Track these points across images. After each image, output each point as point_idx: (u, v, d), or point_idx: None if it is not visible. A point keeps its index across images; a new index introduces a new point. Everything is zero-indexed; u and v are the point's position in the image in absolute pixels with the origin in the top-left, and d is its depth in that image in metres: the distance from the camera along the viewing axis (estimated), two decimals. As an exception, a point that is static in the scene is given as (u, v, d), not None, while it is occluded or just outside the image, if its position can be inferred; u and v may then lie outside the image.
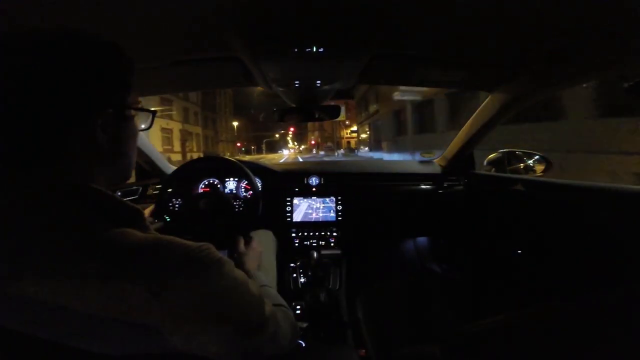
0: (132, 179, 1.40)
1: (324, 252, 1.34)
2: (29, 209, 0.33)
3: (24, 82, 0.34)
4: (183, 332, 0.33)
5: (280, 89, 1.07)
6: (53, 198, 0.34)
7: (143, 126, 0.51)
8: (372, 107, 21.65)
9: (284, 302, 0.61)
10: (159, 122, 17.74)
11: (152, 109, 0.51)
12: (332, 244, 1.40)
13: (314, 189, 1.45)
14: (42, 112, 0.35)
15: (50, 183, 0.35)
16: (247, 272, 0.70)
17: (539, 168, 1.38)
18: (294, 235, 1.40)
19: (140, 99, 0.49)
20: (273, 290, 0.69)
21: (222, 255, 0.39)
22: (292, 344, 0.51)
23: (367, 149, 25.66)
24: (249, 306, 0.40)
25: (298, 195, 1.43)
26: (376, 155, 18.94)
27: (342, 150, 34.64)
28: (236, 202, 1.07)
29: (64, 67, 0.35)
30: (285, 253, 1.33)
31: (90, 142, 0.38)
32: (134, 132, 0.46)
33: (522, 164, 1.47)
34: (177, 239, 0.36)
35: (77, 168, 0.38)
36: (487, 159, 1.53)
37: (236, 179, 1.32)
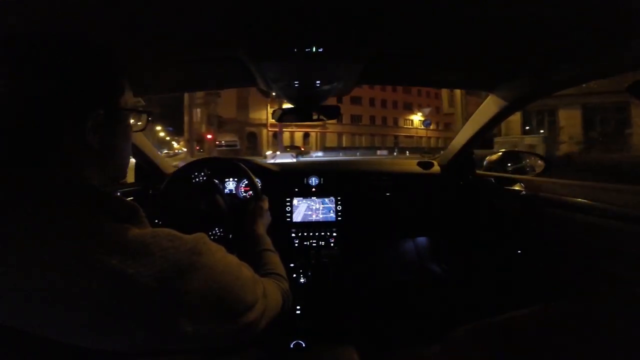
0: (132, 179, 1.40)
1: (323, 252, 1.34)
2: (27, 206, 0.33)
3: (13, 84, 0.35)
4: (182, 320, 0.34)
5: (280, 89, 1.07)
6: (51, 195, 0.35)
7: (139, 124, 0.52)
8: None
9: (282, 271, 0.64)
10: None
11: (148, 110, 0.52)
12: (332, 244, 1.40)
13: (313, 189, 1.45)
14: (33, 114, 0.36)
15: (46, 181, 0.36)
16: (257, 234, 0.77)
17: (539, 168, 1.39)
18: (293, 235, 1.40)
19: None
20: (275, 257, 0.71)
21: (217, 244, 0.41)
22: (283, 313, 0.54)
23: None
24: (242, 289, 0.42)
25: (298, 195, 1.43)
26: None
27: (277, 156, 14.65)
28: (236, 202, 1.07)
29: (52, 69, 0.37)
30: (285, 253, 1.33)
31: (82, 142, 0.39)
32: (126, 132, 0.47)
33: (521, 164, 1.48)
34: (173, 232, 0.37)
35: (72, 167, 0.39)
36: (487, 159, 1.54)
37: (236, 179, 1.32)
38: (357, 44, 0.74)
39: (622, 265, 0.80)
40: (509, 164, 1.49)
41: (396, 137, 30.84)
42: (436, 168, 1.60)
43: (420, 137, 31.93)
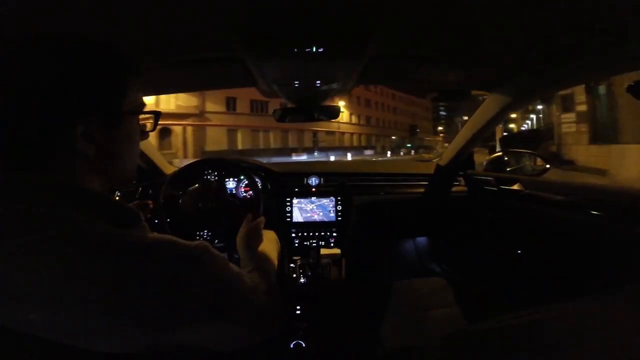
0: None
1: (323, 252, 1.34)
2: (27, 209, 0.33)
3: (3, 84, 0.34)
4: (184, 326, 0.34)
5: (280, 89, 1.07)
6: (52, 199, 0.34)
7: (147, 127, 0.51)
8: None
9: (276, 291, 0.61)
10: None
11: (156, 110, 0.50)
12: (332, 244, 1.40)
13: (313, 189, 1.45)
14: (22, 115, 0.34)
15: (40, 183, 0.35)
16: (246, 255, 0.70)
17: (538, 168, 1.39)
18: (293, 235, 1.40)
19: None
20: (267, 274, 0.66)
21: (219, 252, 0.41)
22: (274, 330, 0.51)
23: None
24: (241, 298, 0.42)
25: (298, 195, 1.43)
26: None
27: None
28: (236, 202, 1.07)
29: (43, 70, 0.35)
30: (285, 253, 1.33)
31: (73, 150, 0.37)
32: (129, 136, 0.44)
33: (521, 164, 1.48)
34: (175, 238, 0.37)
35: (68, 170, 0.37)
36: (486, 159, 1.54)
37: (236, 180, 1.32)
38: (356, 44, 0.74)
39: (623, 264, 0.80)
40: (509, 164, 1.49)
41: (315, 133, 22.82)
42: (436, 168, 1.60)
43: (343, 134, 25.92)
